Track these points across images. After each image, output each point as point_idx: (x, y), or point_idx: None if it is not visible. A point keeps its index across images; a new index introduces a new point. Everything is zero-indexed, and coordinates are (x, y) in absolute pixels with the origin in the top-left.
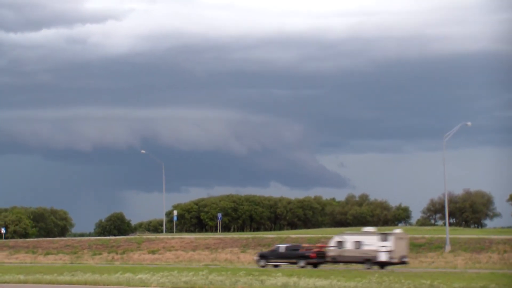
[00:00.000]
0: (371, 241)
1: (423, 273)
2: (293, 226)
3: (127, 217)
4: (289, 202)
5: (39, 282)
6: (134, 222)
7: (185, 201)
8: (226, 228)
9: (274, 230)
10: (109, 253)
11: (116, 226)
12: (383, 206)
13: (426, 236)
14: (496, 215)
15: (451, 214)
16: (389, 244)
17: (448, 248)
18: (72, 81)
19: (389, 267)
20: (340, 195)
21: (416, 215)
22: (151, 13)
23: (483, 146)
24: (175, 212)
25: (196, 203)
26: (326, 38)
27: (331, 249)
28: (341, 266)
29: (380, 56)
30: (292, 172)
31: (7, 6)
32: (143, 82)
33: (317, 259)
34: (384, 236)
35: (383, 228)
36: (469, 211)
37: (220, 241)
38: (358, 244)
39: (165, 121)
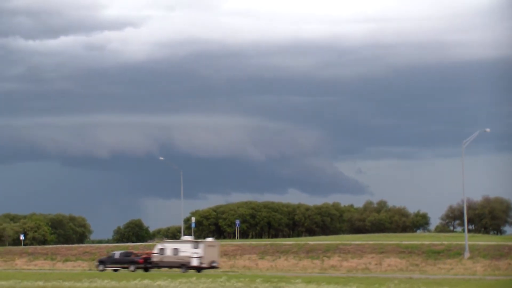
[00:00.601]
0: (185, 248)
1: (442, 280)
2: (311, 232)
3: (145, 223)
4: (307, 208)
5: None
6: (152, 228)
7: (203, 208)
8: (244, 235)
9: (292, 236)
10: None
11: (134, 232)
12: (402, 212)
13: (445, 242)
14: None
15: (470, 221)
16: (200, 251)
17: (467, 254)
18: (90, 88)
19: (205, 271)
20: (358, 202)
21: (434, 221)
22: (168, 20)
23: (502, 152)
24: (193, 219)
25: (214, 209)
26: (343, 44)
27: (155, 256)
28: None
29: (397, 62)
30: (310, 178)
31: (26, 13)
32: (161, 88)
33: (145, 264)
34: (196, 244)
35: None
36: (488, 217)
37: (238, 248)
38: (176, 251)
39: (183, 127)
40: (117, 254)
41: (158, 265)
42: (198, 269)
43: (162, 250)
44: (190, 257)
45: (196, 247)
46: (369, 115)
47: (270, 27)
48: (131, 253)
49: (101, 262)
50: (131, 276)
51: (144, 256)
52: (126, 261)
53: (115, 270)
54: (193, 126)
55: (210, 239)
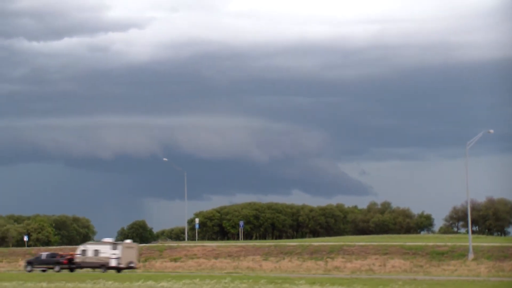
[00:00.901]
0: (105, 249)
1: (446, 281)
2: (315, 233)
3: (149, 225)
4: (311, 209)
5: None
6: (156, 230)
7: (207, 209)
8: (248, 236)
9: (296, 238)
10: None
11: (138, 234)
12: (405, 213)
13: (449, 244)
14: None
15: (474, 222)
16: (118, 252)
17: (471, 256)
18: (94, 89)
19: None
20: (362, 203)
21: (438, 222)
22: (172, 22)
23: (506, 153)
24: (197, 220)
25: (218, 210)
26: (347, 45)
27: (77, 256)
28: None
29: (401, 63)
30: (314, 179)
31: (30, 15)
32: (165, 90)
33: (69, 264)
34: (115, 246)
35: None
36: (492, 218)
37: (242, 249)
38: (96, 252)
39: (187, 129)
40: (43, 255)
41: (80, 266)
42: (117, 269)
43: (84, 251)
44: (109, 258)
45: (114, 249)
46: (372, 116)
47: (274, 28)
48: (57, 254)
49: (29, 263)
50: (134, 278)
51: (68, 257)
52: (51, 262)
53: (43, 271)
54: (196, 127)
55: (128, 241)
